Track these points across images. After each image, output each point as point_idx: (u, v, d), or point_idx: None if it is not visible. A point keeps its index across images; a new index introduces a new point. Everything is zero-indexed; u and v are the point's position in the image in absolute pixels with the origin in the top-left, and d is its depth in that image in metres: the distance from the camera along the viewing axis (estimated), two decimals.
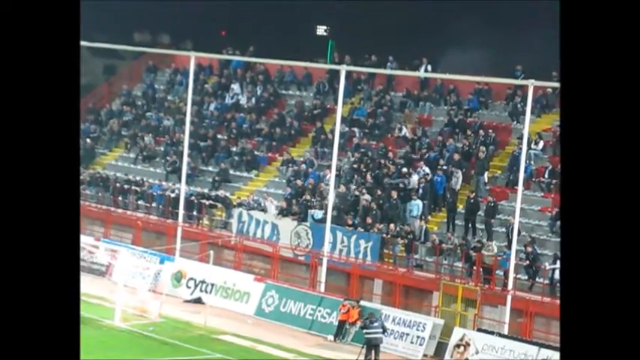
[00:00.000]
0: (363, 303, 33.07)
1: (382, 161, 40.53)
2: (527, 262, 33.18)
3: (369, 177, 39.88)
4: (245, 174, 45.13)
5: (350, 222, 37.56)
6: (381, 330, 29.75)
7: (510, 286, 31.44)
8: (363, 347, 29.75)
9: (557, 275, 31.55)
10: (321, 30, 59.12)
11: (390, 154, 41.12)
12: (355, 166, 40.91)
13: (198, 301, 36.07)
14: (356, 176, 40.44)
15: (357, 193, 38.99)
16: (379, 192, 38.55)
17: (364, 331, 29.54)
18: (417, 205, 37.14)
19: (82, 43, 46.66)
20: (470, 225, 36.21)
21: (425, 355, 31.33)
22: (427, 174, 38.72)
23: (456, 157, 38.92)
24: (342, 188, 39.42)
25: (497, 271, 33.40)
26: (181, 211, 40.62)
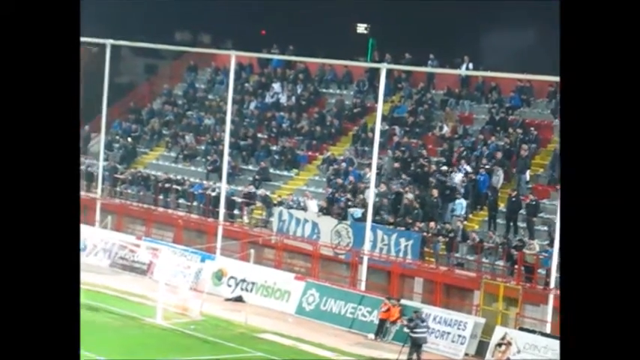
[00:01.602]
0: (403, 302, 32.97)
1: (422, 160, 40.38)
2: None
3: (409, 175, 39.74)
4: (285, 173, 45.14)
5: (390, 220, 37.46)
6: (427, 329, 29.68)
7: (552, 284, 31.17)
8: (404, 346, 29.65)
9: None
10: (361, 28, 59.05)
11: (431, 153, 40.97)
12: (396, 164, 40.79)
13: (239, 299, 36.13)
14: (396, 175, 40.33)
15: (397, 191, 38.87)
16: (420, 190, 38.41)
17: (412, 330, 29.33)
18: (460, 204, 37.00)
19: (124, 42, 47.39)
20: (511, 223, 35.98)
21: (466, 354, 31.17)
22: (469, 172, 38.53)
23: (498, 155, 38.69)
24: (383, 187, 39.31)
25: (539, 270, 33.15)
26: (222, 210, 40.74)
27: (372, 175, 36.77)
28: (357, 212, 38.45)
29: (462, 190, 37.77)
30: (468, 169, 38.71)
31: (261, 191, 43.26)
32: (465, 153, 40.01)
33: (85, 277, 36.43)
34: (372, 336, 32.59)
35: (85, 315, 31.79)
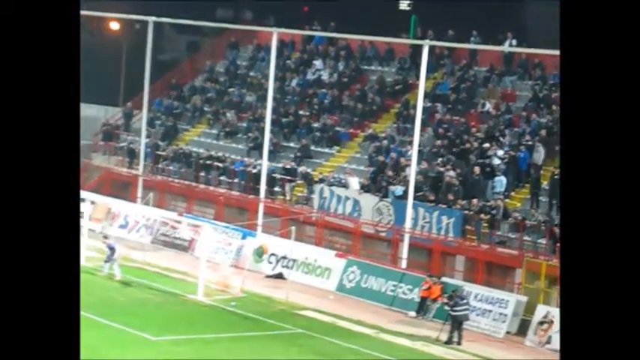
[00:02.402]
0: (444, 279, 32.82)
1: (465, 137, 40.11)
2: None
3: (451, 153, 39.51)
4: (326, 150, 45.04)
5: (432, 198, 37.27)
6: (468, 307, 29.56)
7: None
8: (444, 324, 29.55)
9: None
10: (404, 5, 58.71)
11: (473, 130, 40.67)
12: (437, 142, 40.55)
13: (280, 276, 36.17)
14: (438, 152, 40.09)
15: (439, 169, 38.67)
16: (462, 168, 38.16)
17: (453, 308, 29.24)
18: (500, 182, 36.71)
19: (167, 20, 47.33)
20: (554, 201, 35.65)
21: (508, 333, 31.00)
22: (510, 150, 38.22)
23: (542, 133, 38.32)
24: (424, 164, 39.11)
25: None
26: (263, 187, 40.75)
27: (413, 152, 36.58)
28: (399, 190, 38.28)
29: (503, 168, 37.46)
30: (509, 146, 38.39)
31: (302, 168, 43.20)
32: (506, 130, 39.68)
33: (127, 254, 36.73)
34: (412, 314, 32.51)
35: (127, 291, 32.05)
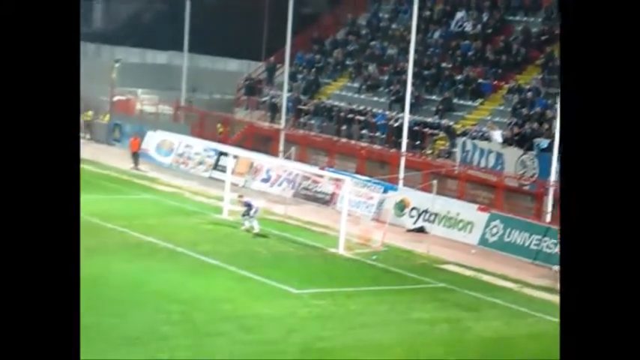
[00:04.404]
0: None
1: None
2: None
3: None
4: (469, 102, 44.37)
5: None
6: None
7: None
8: None
9: None
10: None
11: None
12: None
13: (421, 230, 35.89)
14: None
15: None
16: None
17: None
18: None
19: None
20: None
21: None
22: None
23: None
24: None
25: None
26: (405, 141, 40.45)
27: (559, 104, 35.67)
28: (544, 142, 37.44)
29: None
30: None
31: (444, 121, 42.71)
32: None
33: (269, 207, 37.01)
34: (557, 268, 31.82)
35: (269, 244, 32.30)
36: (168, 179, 43.29)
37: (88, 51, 66.50)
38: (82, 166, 44.59)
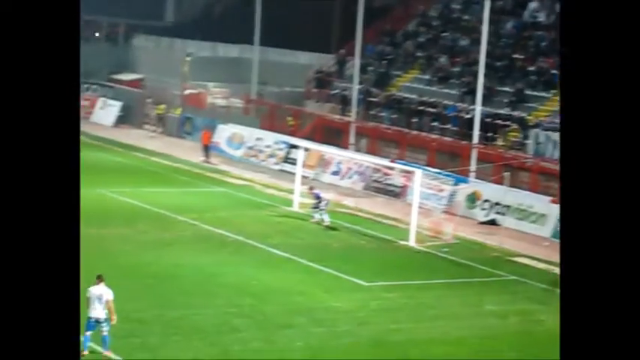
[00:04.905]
0: None
1: None
2: None
3: None
4: (542, 94, 43.82)
5: None
6: None
7: None
8: None
9: None
10: None
11: None
12: None
13: (493, 222, 35.55)
14: None
15: None
16: None
17: None
18: None
19: None
20: None
21: None
22: None
23: None
24: None
25: None
26: (476, 133, 40.13)
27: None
28: None
29: None
30: None
31: (516, 113, 42.27)
32: None
33: (340, 200, 36.98)
34: None
35: (340, 237, 32.27)
36: (239, 172, 43.46)
37: (160, 45, 67.15)
38: (154, 159, 45.32)
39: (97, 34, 72.26)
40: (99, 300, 19.04)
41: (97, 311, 19.00)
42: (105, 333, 18.97)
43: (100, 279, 19.40)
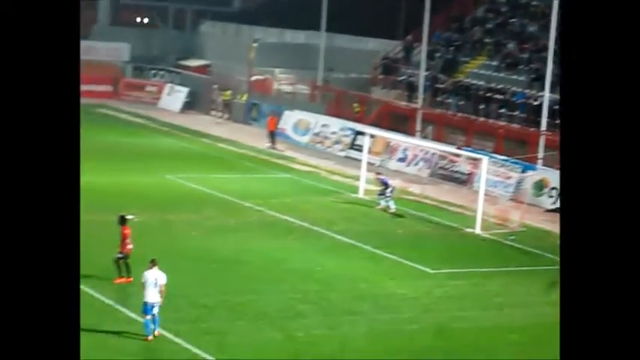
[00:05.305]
0: None
1: None
2: None
3: None
4: None
5: None
6: None
7: None
8: None
9: None
10: None
11: None
12: None
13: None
14: None
15: None
16: None
17: None
18: None
19: None
20: None
21: None
22: None
23: None
24: None
25: None
26: (544, 119, 39.69)
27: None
28: None
29: None
30: None
31: None
32: None
33: (406, 187, 36.84)
34: None
35: (405, 224, 32.16)
36: (305, 158, 43.50)
37: (227, 31, 67.42)
38: (220, 145, 45.55)
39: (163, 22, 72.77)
40: (154, 284, 19.36)
41: (153, 295, 19.32)
42: (156, 314, 19.33)
43: (153, 263, 19.69)
